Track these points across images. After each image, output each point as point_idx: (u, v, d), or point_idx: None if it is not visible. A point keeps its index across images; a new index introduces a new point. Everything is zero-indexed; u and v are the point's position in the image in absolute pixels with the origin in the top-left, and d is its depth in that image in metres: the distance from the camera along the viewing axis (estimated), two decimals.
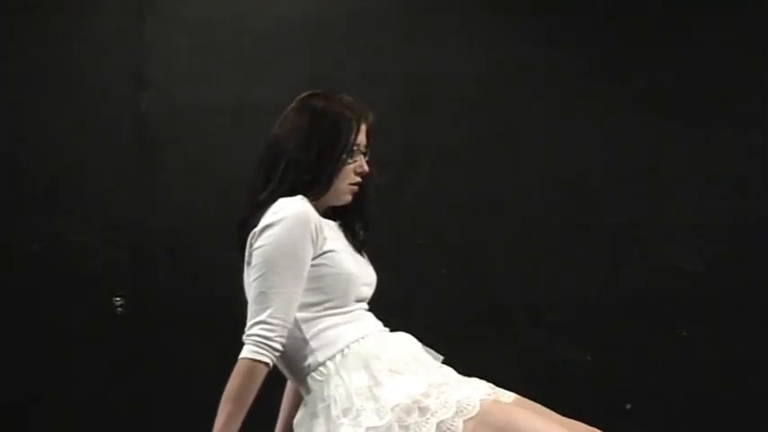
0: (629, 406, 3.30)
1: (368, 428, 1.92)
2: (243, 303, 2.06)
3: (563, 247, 3.51)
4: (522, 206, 3.57)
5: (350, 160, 2.12)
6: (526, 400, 2.09)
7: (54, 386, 3.45)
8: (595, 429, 2.05)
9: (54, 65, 3.50)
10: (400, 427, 1.92)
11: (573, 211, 3.52)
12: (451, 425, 1.92)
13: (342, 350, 2.03)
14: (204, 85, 3.50)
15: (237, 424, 1.97)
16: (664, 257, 3.34)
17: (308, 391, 2.03)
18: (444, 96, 3.55)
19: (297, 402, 2.14)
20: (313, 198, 2.07)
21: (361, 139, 2.15)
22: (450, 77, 3.52)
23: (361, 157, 2.15)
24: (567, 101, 3.52)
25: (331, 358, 2.03)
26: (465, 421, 1.92)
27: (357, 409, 1.95)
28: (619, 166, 3.52)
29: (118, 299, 3.35)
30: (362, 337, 2.06)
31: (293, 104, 2.20)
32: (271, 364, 1.97)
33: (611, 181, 3.53)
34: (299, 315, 2.02)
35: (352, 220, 2.21)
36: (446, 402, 1.94)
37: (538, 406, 2.07)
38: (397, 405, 1.93)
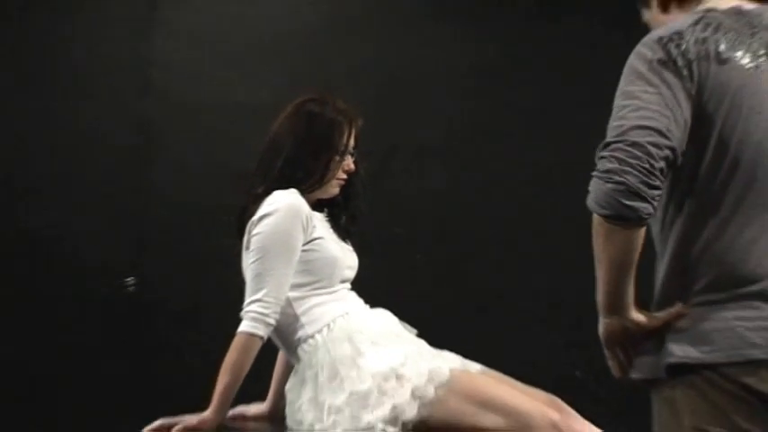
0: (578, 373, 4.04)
1: (350, 393, 2.49)
2: (236, 286, 2.64)
3: (530, 239, 4.40)
4: (494, 197, 4.45)
5: (339, 160, 2.67)
6: (492, 370, 2.67)
7: (66, 357, 4.46)
8: (555, 398, 2.64)
9: (68, 70, 4.52)
10: (379, 391, 2.48)
11: (539, 205, 4.40)
12: (424, 391, 2.49)
13: (328, 324, 2.59)
14: (201, 87, 4.45)
15: (233, 393, 2.54)
16: None
17: (299, 360, 2.61)
18: (419, 95, 4.55)
19: (288, 371, 2.73)
20: (305, 192, 2.62)
21: (351, 141, 2.70)
22: (424, 79, 4.53)
23: (349, 157, 2.70)
24: (538, 100, 4.46)
25: (319, 331, 2.58)
26: (436, 388, 2.49)
27: (341, 377, 2.51)
28: (587, 161, 4.25)
29: (130, 280, 4.23)
30: (346, 313, 2.62)
31: (291, 108, 2.73)
32: (265, 337, 2.53)
33: (580, 176, 4.25)
34: (291, 294, 2.58)
35: (339, 212, 2.76)
36: (420, 371, 2.51)
37: (503, 375, 2.66)
38: (376, 373, 2.49)
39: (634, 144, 1.88)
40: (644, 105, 1.93)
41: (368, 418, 2.49)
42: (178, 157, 4.47)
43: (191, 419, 2.57)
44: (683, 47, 1.96)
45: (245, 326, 2.51)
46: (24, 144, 4.67)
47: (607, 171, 1.88)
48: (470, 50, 4.65)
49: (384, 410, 2.49)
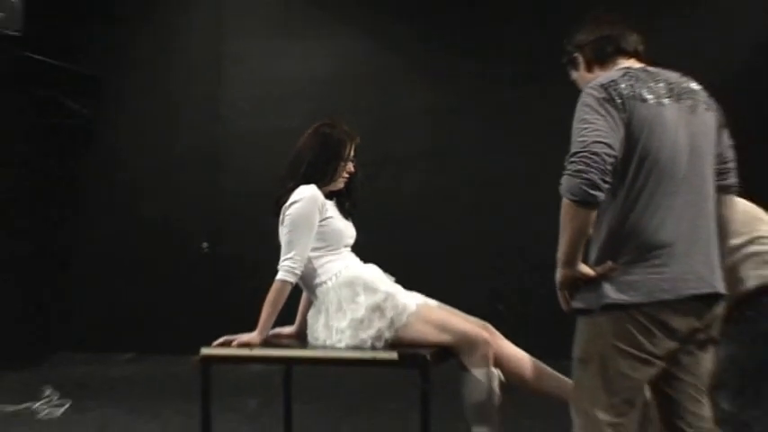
0: (499, 307, 5.17)
1: (351, 319, 3.15)
2: (275, 249, 3.32)
3: (473, 222, 5.67)
4: (452, 194, 5.74)
5: (344, 165, 3.32)
6: (446, 305, 3.35)
7: (161, 298, 5.94)
8: (487, 324, 3.26)
9: (165, 106, 5.97)
10: (369, 319, 3.11)
11: (482, 199, 5.65)
12: (399, 318, 3.15)
13: (336, 274, 3.25)
14: (253, 117, 5.86)
15: (272, 320, 3.21)
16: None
17: (316, 298, 3.31)
18: (403, 123, 5.88)
19: (309, 305, 3.41)
20: (320, 186, 3.29)
21: (352, 152, 3.38)
22: (406, 112, 5.87)
23: (350, 163, 3.36)
24: (490, 128, 5.82)
25: (329, 279, 3.24)
26: (407, 316, 3.15)
27: (344, 309, 3.17)
28: (528, 171, 5.52)
29: (205, 244, 5.63)
30: (348, 267, 3.27)
31: (311, 129, 3.36)
32: (294, 283, 3.19)
33: (513, 185, 5.59)
34: (311, 254, 3.25)
35: (343, 200, 3.43)
36: (396, 305, 3.17)
37: (452, 308, 3.34)
38: (368, 306, 3.15)
39: (595, 153, 2.32)
40: (598, 128, 2.36)
41: (362, 336, 3.11)
42: (239, 164, 5.78)
43: (244, 337, 3.16)
44: (618, 90, 2.43)
45: (280, 275, 3.14)
46: (138, 156, 6.09)
47: (577, 171, 2.32)
48: (441, 94, 5.90)
49: (372, 331, 3.10)
